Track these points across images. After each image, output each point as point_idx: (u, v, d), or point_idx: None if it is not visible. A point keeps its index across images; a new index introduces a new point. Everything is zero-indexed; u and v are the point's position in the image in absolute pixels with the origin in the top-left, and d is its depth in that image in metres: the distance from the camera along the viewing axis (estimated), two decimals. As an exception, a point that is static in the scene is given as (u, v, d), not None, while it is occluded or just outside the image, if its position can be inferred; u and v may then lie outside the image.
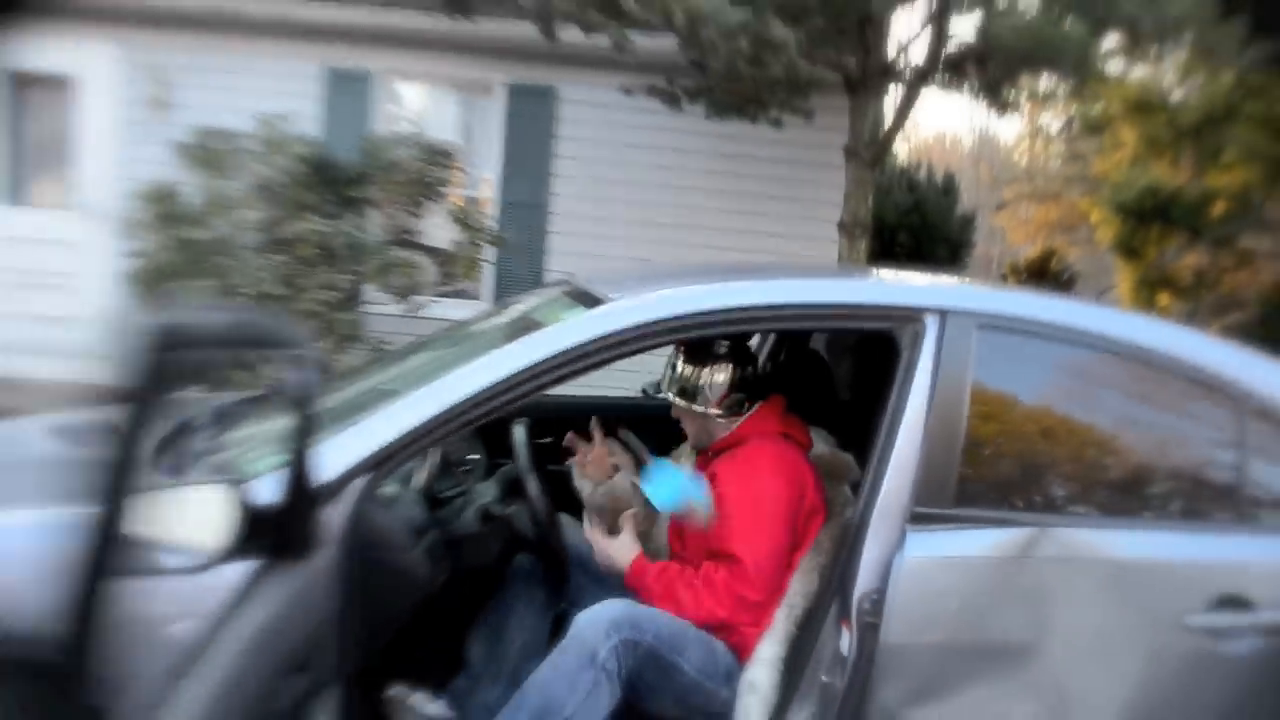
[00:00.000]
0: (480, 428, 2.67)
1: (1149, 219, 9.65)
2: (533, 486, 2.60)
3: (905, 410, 2.08)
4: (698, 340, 2.50)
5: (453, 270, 6.95)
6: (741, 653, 2.27)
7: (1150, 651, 2.09)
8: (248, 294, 6.15)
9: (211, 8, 6.81)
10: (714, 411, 2.54)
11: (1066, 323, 2.22)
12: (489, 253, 7.01)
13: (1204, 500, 2.28)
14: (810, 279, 2.61)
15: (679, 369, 2.59)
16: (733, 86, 5.74)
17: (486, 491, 2.76)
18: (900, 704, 2.01)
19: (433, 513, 2.53)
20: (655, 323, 2.14)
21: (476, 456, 2.97)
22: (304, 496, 1.78)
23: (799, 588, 2.30)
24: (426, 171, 6.61)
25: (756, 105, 5.99)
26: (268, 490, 1.76)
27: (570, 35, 5.87)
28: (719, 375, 2.54)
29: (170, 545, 1.74)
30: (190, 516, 1.75)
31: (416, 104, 7.65)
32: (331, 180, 6.54)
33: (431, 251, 6.79)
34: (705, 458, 2.61)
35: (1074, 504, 2.25)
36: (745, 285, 2.31)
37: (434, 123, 7.42)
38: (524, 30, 6.15)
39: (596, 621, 2.18)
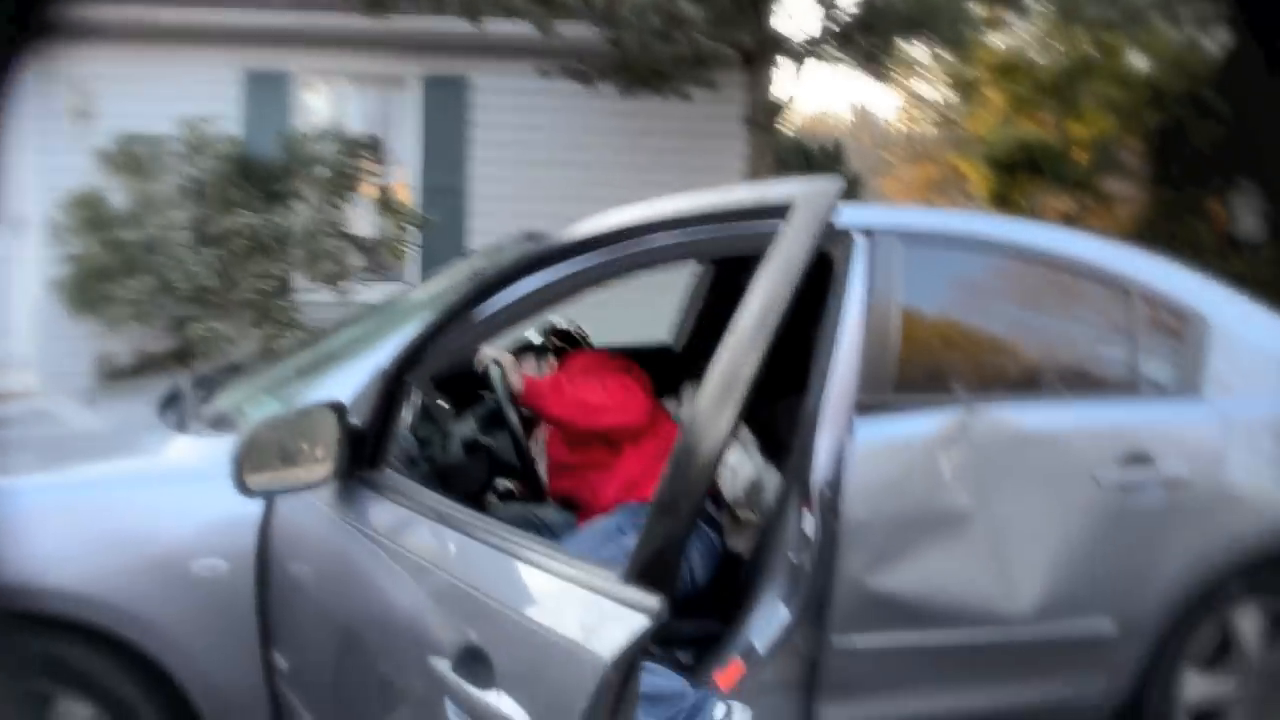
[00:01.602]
0: (442, 383, 3.03)
1: (1019, 170, 10.43)
2: (512, 415, 2.94)
3: (844, 316, 2.43)
4: None
5: (379, 256, 7.23)
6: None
7: (1072, 505, 2.47)
8: (185, 288, 6.34)
9: (128, 18, 6.90)
10: None
11: (978, 233, 2.66)
12: (413, 237, 7.30)
13: (1104, 374, 2.68)
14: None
15: None
16: (644, 62, 6.17)
17: (465, 427, 3.10)
18: (862, 573, 2.34)
19: (423, 451, 2.87)
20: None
21: (445, 405, 3.31)
22: (390, 413, 2.06)
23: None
24: (346, 163, 6.88)
25: (664, 80, 6.43)
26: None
27: (483, 25, 6.21)
28: None
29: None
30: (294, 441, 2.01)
31: (334, 100, 7.86)
32: (256, 177, 6.75)
33: (357, 240, 7.05)
34: None
35: (996, 385, 2.60)
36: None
37: (352, 117, 7.66)
38: (436, 24, 6.45)
39: None
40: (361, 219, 7.17)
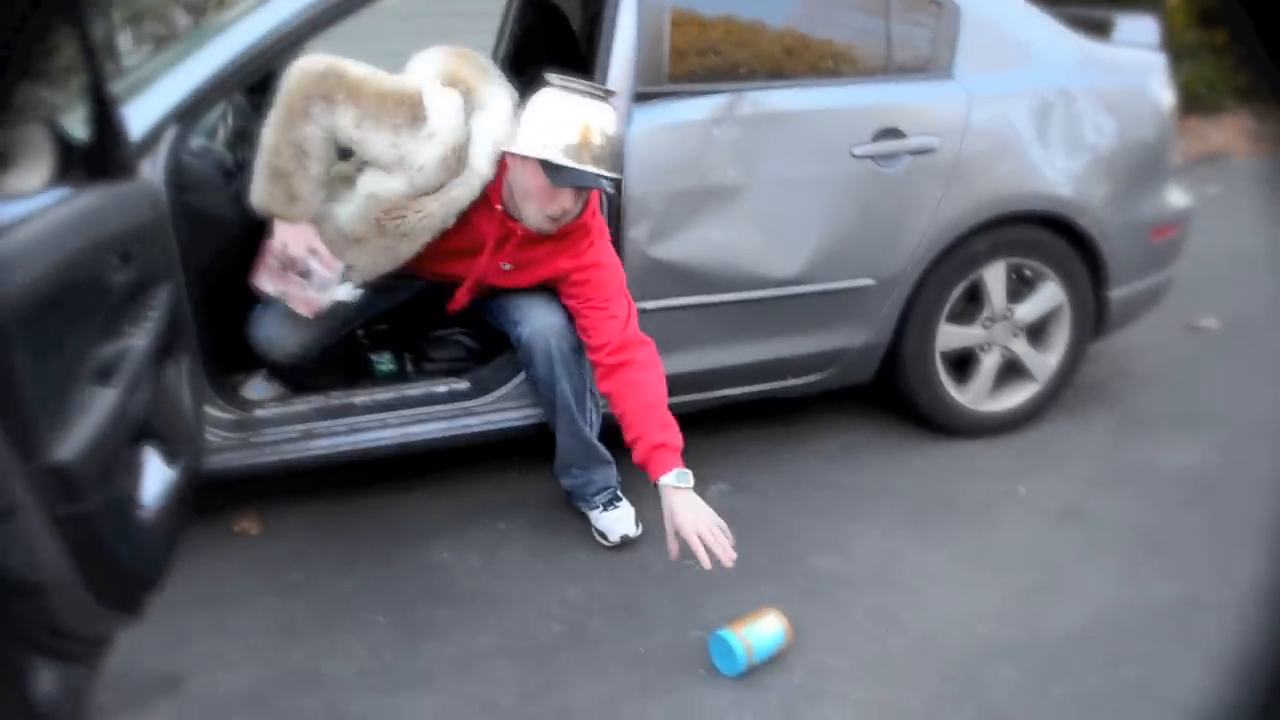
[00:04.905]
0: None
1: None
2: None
3: (619, 13, 2.58)
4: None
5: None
6: None
7: (831, 176, 2.76)
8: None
9: None
10: None
11: None
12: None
13: (861, 59, 2.88)
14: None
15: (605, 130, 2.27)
16: None
17: None
18: (647, 242, 2.62)
19: (241, 170, 2.94)
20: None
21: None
22: (109, 124, 2.02)
23: None
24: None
25: None
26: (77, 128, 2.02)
27: None
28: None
29: None
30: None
31: None
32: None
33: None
34: (529, 241, 2.44)
35: (761, 73, 2.79)
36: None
37: None
38: None
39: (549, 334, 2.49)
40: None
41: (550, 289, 2.55)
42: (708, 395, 2.90)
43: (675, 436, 2.29)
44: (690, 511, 2.17)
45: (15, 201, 1.92)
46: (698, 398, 2.89)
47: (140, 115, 2.32)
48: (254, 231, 2.84)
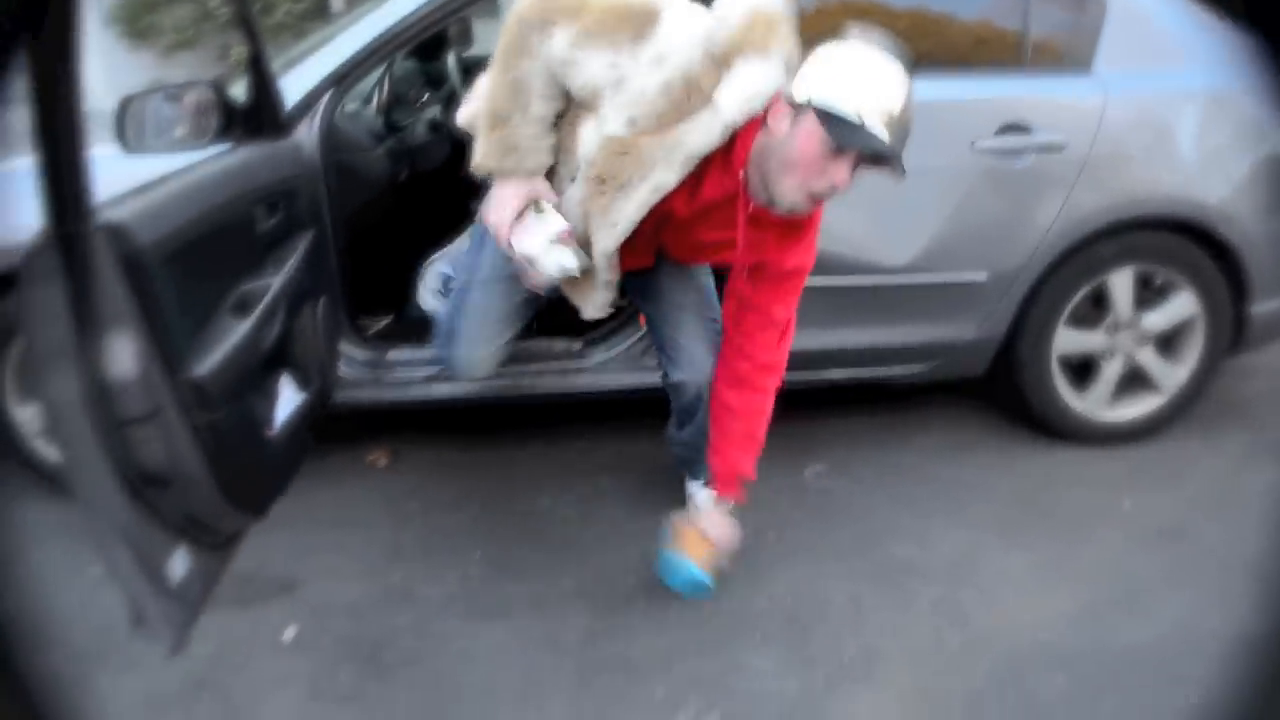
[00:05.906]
0: (430, 77, 3.27)
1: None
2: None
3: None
4: None
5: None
6: None
7: (950, 168, 2.76)
8: (224, 15, 6.61)
9: None
10: None
11: None
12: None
13: (992, 50, 2.83)
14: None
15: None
16: None
17: (432, 110, 3.42)
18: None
19: (392, 133, 3.20)
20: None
21: (427, 96, 3.63)
22: (267, 91, 2.35)
23: None
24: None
25: None
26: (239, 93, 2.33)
27: None
28: None
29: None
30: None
31: None
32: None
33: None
34: (754, 221, 2.07)
35: None
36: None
37: None
38: None
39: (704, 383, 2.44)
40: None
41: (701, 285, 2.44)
42: (809, 375, 2.95)
43: (754, 470, 2.37)
44: (725, 525, 2.34)
45: (188, 152, 2.24)
46: (798, 376, 2.92)
47: (300, 81, 2.60)
48: (399, 189, 3.11)
